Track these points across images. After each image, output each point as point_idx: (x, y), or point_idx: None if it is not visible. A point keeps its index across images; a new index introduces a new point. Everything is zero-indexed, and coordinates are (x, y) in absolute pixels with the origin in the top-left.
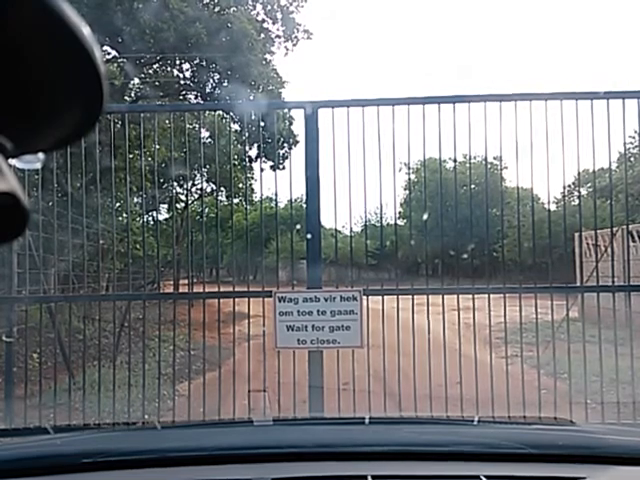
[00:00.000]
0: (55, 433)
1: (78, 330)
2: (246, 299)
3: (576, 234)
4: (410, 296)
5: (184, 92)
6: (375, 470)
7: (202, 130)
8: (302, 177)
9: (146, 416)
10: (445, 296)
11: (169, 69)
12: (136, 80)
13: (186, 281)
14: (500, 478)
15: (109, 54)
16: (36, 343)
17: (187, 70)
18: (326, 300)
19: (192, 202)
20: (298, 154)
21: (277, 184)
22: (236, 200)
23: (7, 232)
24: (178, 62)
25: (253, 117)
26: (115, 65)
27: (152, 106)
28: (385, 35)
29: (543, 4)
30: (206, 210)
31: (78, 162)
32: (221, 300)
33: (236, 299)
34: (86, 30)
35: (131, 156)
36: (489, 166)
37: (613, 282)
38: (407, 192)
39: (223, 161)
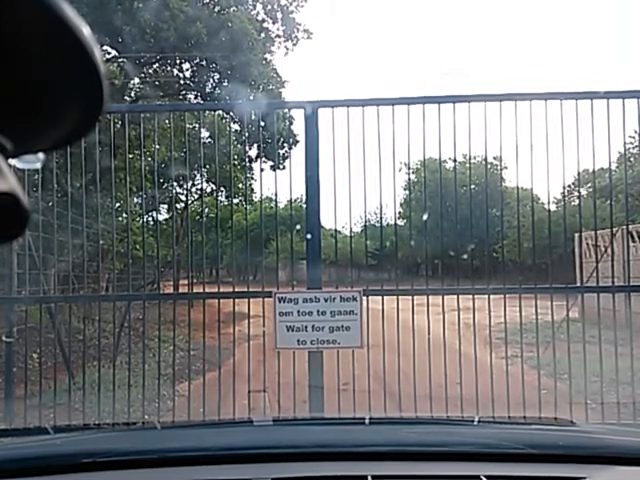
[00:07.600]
0: (55, 433)
1: (78, 330)
2: (246, 299)
3: (576, 234)
4: (410, 296)
5: (184, 92)
6: (375, 470)
7: (202, 130)
8: (302, 177)
9: (146, 416)
10: (445, 296)
11: (169, 69)
12: (136, 80)
13: (186, 281)
14: (500, 478)
15: (109, 54)
16: (36, 343)
17: (187, 70)
18: (326, 300)
19: (192, 202)
20: (298, 154)
21: (277, 184)
22: (236, 200)
23: (7, 232)
24: (178, 62)
25: (253, 117)
26: (115, 65)
27: (152, 106)
28: (385, 35)
29: (543, 4)
30: (206, 210)
31: (78, 162)
32: (221, 300)
33: (236, 299)
34: (86, 30)
35: (131, 156)
36: (489, 166)
37: (613, 282)
38: (407, 192)
39: (223, 161)
